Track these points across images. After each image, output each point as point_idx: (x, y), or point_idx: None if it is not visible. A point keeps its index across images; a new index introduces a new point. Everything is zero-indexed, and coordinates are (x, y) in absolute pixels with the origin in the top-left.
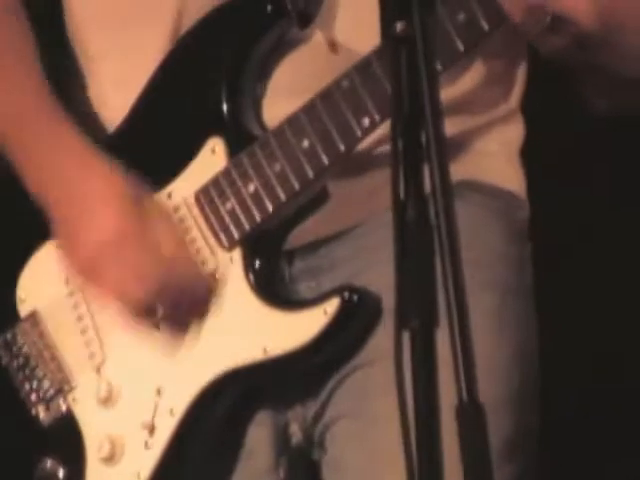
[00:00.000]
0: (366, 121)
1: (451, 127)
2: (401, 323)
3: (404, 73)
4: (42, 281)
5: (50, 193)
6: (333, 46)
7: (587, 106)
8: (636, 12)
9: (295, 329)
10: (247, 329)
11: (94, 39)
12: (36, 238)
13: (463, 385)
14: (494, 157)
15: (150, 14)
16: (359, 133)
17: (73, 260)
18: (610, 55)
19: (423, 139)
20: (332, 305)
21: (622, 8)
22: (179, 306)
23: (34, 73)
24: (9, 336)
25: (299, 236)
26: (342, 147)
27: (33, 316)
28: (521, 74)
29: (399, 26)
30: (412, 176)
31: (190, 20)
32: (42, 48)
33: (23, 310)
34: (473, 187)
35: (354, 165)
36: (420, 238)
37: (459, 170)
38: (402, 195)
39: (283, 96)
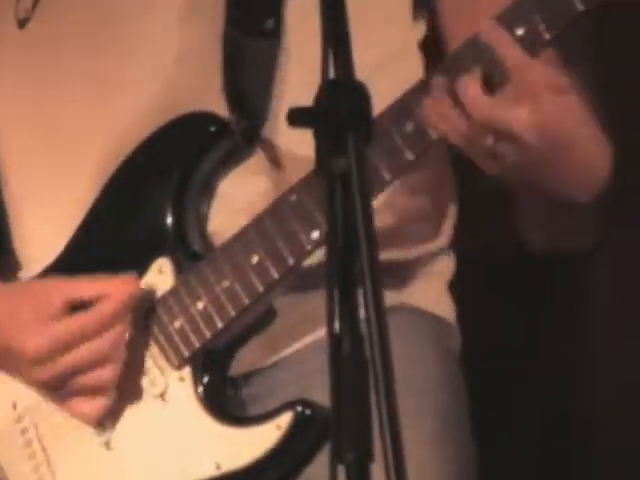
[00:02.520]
0: (315, 234)
1: (381, 257)
2: (336, 458)
3: (339, 208)
4: None
5: None
6: (277, 164)
7: (526, 243)
8: (578, 132)
9: (248, 444)
10: (199, 446)
11: (15, 179)
12: None
13: None
14: (425, 286)
15: (77, 154)
16: (308, 247)
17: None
18: (551, 175)
19: (358, 272)
20: (285, 419)
21: (565, 126)
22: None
23: None
24: None
25: (236, 366)
26: (291, 261)
27: None
28: (451, 212)
29: (335, 164)
30: (347, 309)
31: (119, 158)
32: None
33: None
34: (407, 314)
35: (290, 291)
36: (355, 373)
37: (392, 298)
38: (337, 329)
39: (227, 212)
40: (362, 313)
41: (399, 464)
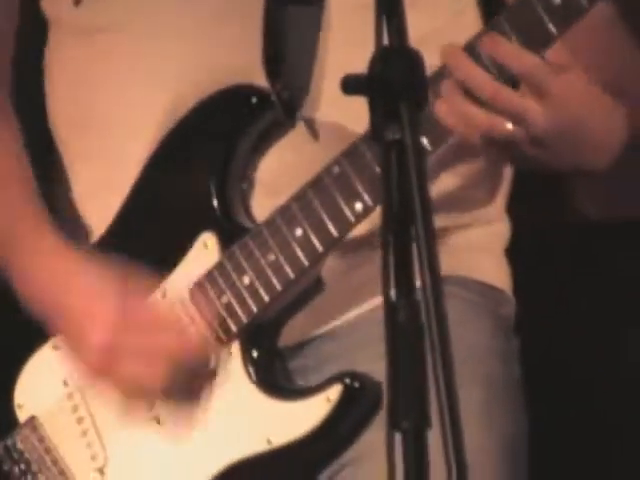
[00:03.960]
0: (359, 206)
1: (436, 224)
2: (393, 424)
3: (394, 174)
4: (39, 386)
5: (48, 301)
6: (318, 137)
7: (578, 210)
8: (588, 109)
9: (298, 418)
10: (250, 421)
11: (74, 142)
12: (29, 345)
13: None
14: (480, 254)
15: (135, 121)
16: (352, 218)
17: (83, 359)
18: (565, 153)
19: (413, 238)
20: (334, 392)
21: (575, 105)
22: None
23: (23, 189)
24: (9, 442)
25: (285, 336)
26: (335, 233)
27: (32, 421)
28: (506, 175)
29: (389, 131)
30: (403, 276)
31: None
32: (29, 147)
33: (22, 416)
34: (459, 283)
35: (339, 261)
36: (411, 339)
37: (445, 266)
38: (393, 297)
39: (269, 185)
40: (418, 281)
41: (456, 430)
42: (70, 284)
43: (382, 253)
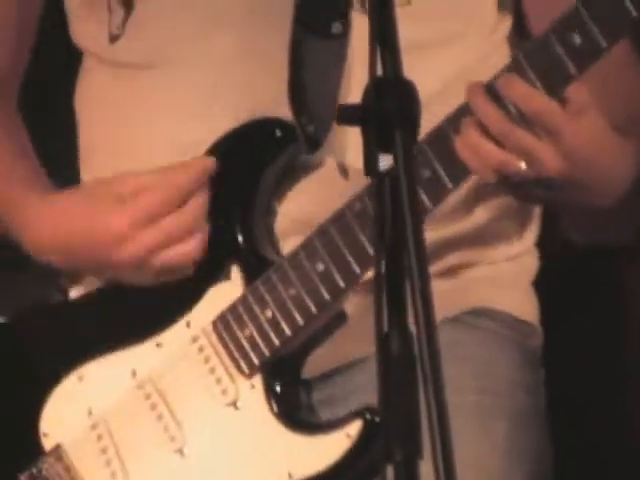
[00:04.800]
0: None
1: (465, 258)
2: (386, 457)
3: (389, 206)
4: (64, 415)
5: (55, 244)
6: (344, 171)
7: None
8: (600, 152)
9: (318, 453)
10: (271, 455)
11: (104, 171)
12: (55, 376)
13: None
14: (508, 288)
15: (164, 152)
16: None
17: (117, 269)
18: (575, 193)
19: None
20: (354, 428)
21: (587, 149)
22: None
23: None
24: (35, 470)
25: (313, 367)
26: (357, 269)
27: (57, 450)
28: (537, 211)
29: (382, 162)
30: (396, 308)
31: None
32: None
33: (47, 444)
34: (487, 315)
35: (367, 295)
36: (403, 371)
37: (473, 298)
38: (385, 328)
39: (293, 219)
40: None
41: (448, 462)
42: (67, 215)
43: (375, 286)
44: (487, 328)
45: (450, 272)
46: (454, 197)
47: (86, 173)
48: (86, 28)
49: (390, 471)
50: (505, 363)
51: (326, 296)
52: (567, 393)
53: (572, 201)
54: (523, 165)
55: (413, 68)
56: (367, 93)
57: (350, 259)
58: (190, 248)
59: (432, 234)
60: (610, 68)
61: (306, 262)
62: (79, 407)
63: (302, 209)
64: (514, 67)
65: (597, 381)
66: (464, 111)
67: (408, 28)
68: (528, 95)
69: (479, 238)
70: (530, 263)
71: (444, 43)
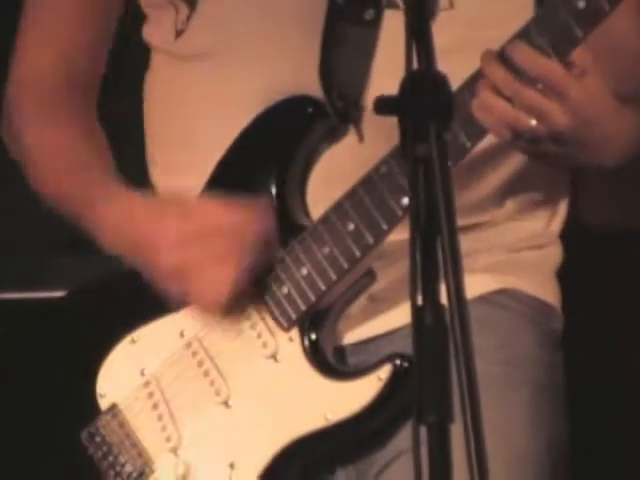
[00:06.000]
0: (405, 200)
1: (497, 240)
2: (419, 419)
3: (422, 190)
4: (118, 377)
5: (121, 240)
6: (361, 137)
7: (583, 217)
8: (602, 112)
9: (352, 396)
10: (309, 401)
11: (163, 154)
12: (110, 341)
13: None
14: (533, 273)
15: (211, 130)
16: (400, 212)
17: (159, 275)
18: (583, 150)
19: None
20: (385, 371)
21: (592, 107)
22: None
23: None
24: (92, 429)
25: (349, 335)
26: (385, 226)
27: (113, 408)
28: (562, 205)
29: (418, 149)
30: (429, 284)
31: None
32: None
33: (103, 404)
34: (513, 296)
35: (400, 267)
36: (436, 341)
37: (502, 279)
38: (420, 302)
39: (323, 185)
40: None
41: (477, 425)
42: (134, 216)
43: (410, 261)
44: (512, 308)
45: (475, 256)
46: (486, 189)
47: (151, 165)
48: (155, 26)
49: (423, 432)
50: (527, 340)
51: (357, 253)
52: (584, 378)
53: (581, 160)
54: (534, 122)
55: (452, 71)
56: (404, 85)
57: (378, 217)
58: (229, 275)
59: (463, 221)
60: (617, 38)
61: (337, 222)
62: (132, 368)
63: (331, 175)
64: (524, 34)
65: (612, 367)
66: (479, 75)
67: (450, 32)
68: (534, 59)
69: (503, 228)
70: (555, 252)
71: (484, 48)
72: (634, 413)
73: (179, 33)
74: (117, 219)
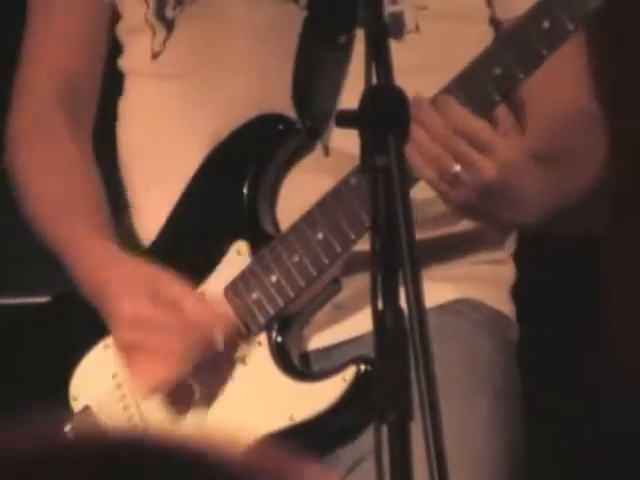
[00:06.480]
0: None
1: (455, 258)
2: (380, 418)
3: (382, 198)
4: (91, 380)
5: (91, 284)
6: (327, 151)
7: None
8: (523, 170)
9: (318, 397)
10: (275, 401)
11: (139, 167)
12: (83, 346)
13: (435, 475)
14: (492, 285)
15: (185, 144)
16: (367, 222)
17: (115, 329)
18: (504, 205)
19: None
20: (349, 373)
21: (516, 165)
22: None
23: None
24: (67, 429)
25: (315, 340)
26: (353, 236)
27: (86, 410)
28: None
29: (377, 159)
30: (389, 289)
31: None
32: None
33: (76, 406)
34: (472, 305)
35: (364, 278)
36: (396, 343)
37: (461, 289)
38: (380, 306)
39: (292, 198)
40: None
41: (435, 422)
42: (110, 270)
43: (370, 268)
44: (471, 316)
45: (436, 267)
46: (443, 206)
47: (128, 183)
48: (132, 51)
49: (384, 430)
50: (486, 346)
51: (325, 261)
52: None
53: (502, 217)
54: (458, 167)
55: (419, 88)
56: (363, 99)
57: (346, 227)
58: (165, 373)
59: (421, 235)
60: (552, 98)
61: (307, 231)
62: (105, 372)
63: (299, 188)
64: (449, 91)
65: (560, 374)
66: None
67: (417, 52)
68: (462, 116)
69: (463, 242)
70: (510, 271)
71: (450, 68)
72: (589, 420)
73: (155, 55)
74: (89, 266)
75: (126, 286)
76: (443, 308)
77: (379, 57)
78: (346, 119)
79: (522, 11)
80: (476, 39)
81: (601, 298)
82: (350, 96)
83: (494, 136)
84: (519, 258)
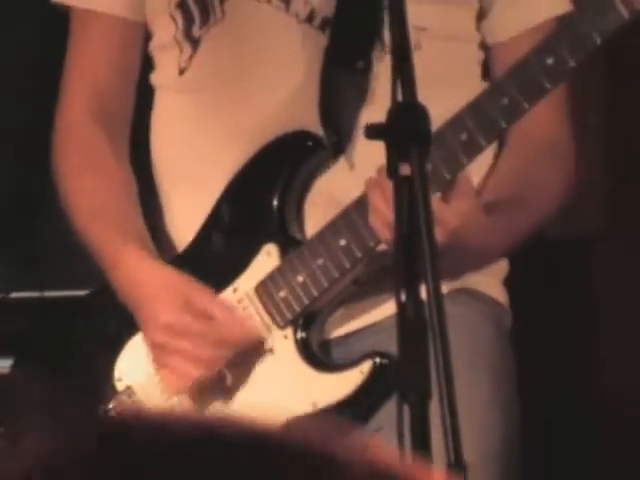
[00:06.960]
0: None
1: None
2: (402, 398)
3: (404, 203)
4: (134, 363)
5: (130, 295)
6: (351, 165)
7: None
8: (472, 230)
9: (337, 386)
10: (300, 389)
11: (169, 176)
12: (128, 334)
13: (451, 447)
14: (488, 276)
15: (218, 157)
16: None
17: (149, 335)
18: (458, 260)
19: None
20: (366, 366)
21: (468, 231)
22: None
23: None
24: (109, 407)
25: (334, 329)
26: (372, 243)
27: (128, 390)
28: None
29: (401, 168)
30: (411, 284)
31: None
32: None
33: (120, 386)
34: (471, 294)
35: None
36: (416, 331)
37: (461, 282)
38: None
39: (319, 206)
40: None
41: (451, 402)
42: (144, 275)
43: (394, 264)
44: (471, 304)
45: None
46: None
47: (160, 186)
48: (160, 67)
49: (406, 409)
50: (486, 331)
51: (347, 264)
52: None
53: (455, 271)
54: None
55: (422, 101)
56: (390, 114)
57: (366, 235)
58: (195, 373)
59: None
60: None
61: (331, 238)
62: (146, 357)
63: (325, 198)
64: (462, 118)
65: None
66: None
67: (419, 68)
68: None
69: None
70: (504, 264)
71: (449, 83)
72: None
73: (182, 71)
74: (128, 278)
75: (159, 293)
76: (445, 297)
77: (404, 75)
78: (374, 131)
79: (505, 38)
80: (471, 57)
81: (592, 300)
82: (376, 111)
83: (441, 209)
84: (511, 261)
